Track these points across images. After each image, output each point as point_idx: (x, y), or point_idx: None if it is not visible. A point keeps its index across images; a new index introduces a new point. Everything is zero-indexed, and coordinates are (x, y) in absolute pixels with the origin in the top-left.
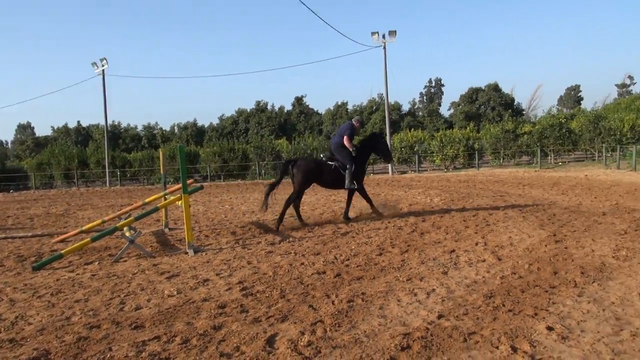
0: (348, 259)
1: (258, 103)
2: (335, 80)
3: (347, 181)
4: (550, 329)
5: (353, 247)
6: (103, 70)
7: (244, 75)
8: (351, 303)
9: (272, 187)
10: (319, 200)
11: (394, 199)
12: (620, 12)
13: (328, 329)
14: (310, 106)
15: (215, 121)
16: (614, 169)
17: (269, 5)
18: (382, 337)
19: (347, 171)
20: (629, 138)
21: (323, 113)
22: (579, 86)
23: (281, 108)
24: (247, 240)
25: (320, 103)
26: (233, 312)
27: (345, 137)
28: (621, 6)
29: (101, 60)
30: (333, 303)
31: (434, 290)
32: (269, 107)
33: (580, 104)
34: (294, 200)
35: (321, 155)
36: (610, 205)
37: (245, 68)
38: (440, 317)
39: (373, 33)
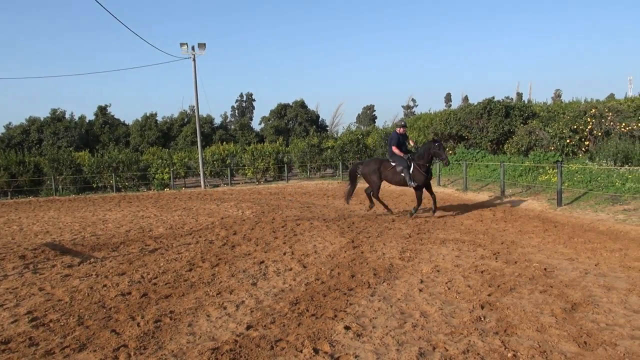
0: (156, 277)
1: (54, 111)
2: (143, 91)
3: (407, 181)
4: (347, 328)
5: (162, 265)
6: None
7: (36, 81)
8: (158, 323)
9: (350, 192)
10: (126, 217)
11: (206, 212)
12: (402, 43)
13: (132, 354)
14: (116, 116)
15: (0, 130)
16: None
17: (64, 5)
18: (190, 355)
19: (404, 172)
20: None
21: (130, 124)
22: (373, 106)
23: (82, 117)
24: (39, 265)
25: (127, 113)
26: (19, 347)
27: (393, 147)
28: (402, 41)
29: None
30: (138, 325)
31: (243, 302)
32: (67, 115)
33: (374, 121)
34: (374, 192)
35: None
36: (399, 212)
37: (37, 72)
38: (248, 328)
39: (182, 44)
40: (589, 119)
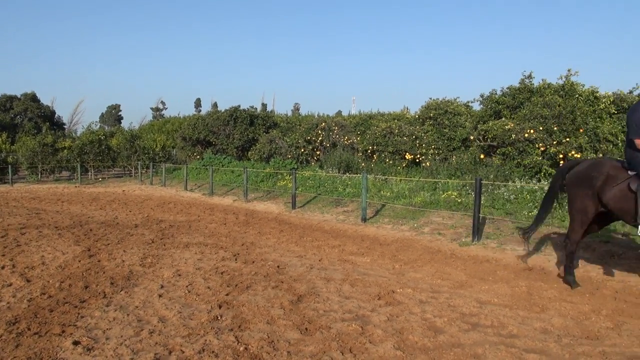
0: None
1: None
2: None
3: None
4: (76, 343)
5: None
6: None
7: None
8: None
9: (539, 223)
10: None
11: None
12: (150, 44)
13: None
14: None
15: None
16: (147, 184)
17: None
18: None
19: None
20: (160, 157)
21: None
22: (119, 105)
23: None
24: None
25: None
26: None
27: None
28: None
29: None
30: None
31: None
32: None
33: (120, 122)
34: (575, 233)
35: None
36: (142, 218)
37: None
38: None
39: None
40: (320, 132)
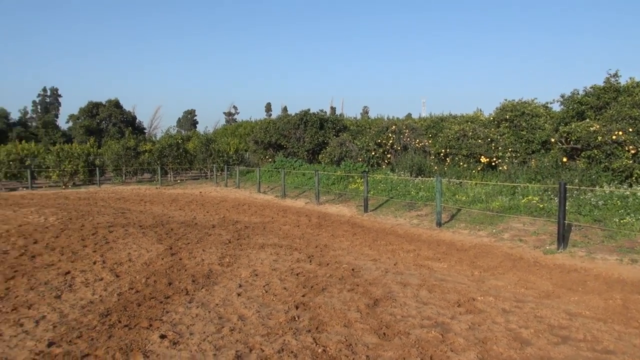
0: None
1: None
2: None
3: None
4: (163, 336)
5: None
6: None
7: None
8: None
9: None
10: None
11: (0, 219)
12: (225, 49)
13: None
14: None
15: None
16: (223, 186)
17: None
18: None
19: None
20: (234, 159)
21: None
22: (194, 110)
23: None
24: None
25: None
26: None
27: None
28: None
29: None
30: None
31: (44, 317)
32: None
33: (195, 126)
34: None
35: None
36: (219, 219)
37: None
38: (50, 345)
39: None
40: (390, 134)
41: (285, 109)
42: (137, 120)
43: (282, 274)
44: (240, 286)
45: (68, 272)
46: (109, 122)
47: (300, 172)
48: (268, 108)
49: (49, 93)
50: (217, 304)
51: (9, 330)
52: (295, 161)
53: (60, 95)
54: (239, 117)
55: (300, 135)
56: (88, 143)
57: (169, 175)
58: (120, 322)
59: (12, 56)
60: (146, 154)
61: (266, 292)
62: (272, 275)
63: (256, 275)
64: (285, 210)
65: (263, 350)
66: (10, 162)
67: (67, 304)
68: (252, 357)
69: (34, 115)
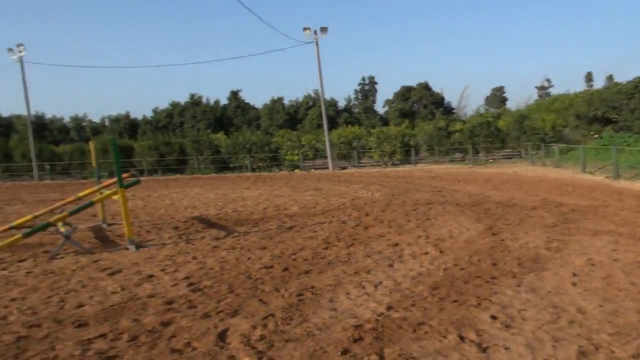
0: (295, 253)
1: (192, 96)
2: (270, 75)
3: None
4: (493, 317)
5: (299, 242)
6: (21, 56)
7: (176, 68)
8: (301, 297)
9: None
10: (262, 195)
11: (337, 193)
12: (538, 19)
13: (280, 323)
14: (246, 100)
15: (149, 114)
16: (539, 165)
17: None
18: (334, 330)
19: None
20: (551, 137)
21: (260, 107)
22: (503, 87)
23: (217, 101)
24: (190, 236)
25: (256, 97)
26: (181, 308)
27: None
28: (537, 15)
29: (18, 46)
30: (283, 297)
31: (381, 282)
32: (203, 100)
33: (505, 104)
34: None
35: None
36: (539, 200)
37: (175, 60)
38: (389, 308)
39: (305, 28)
40: None
41: (610, 78)
42: (445, 101)
43: (625, 266)
44: (574, 275)
45: (396, 244)
46: (420, 104)
47: (636, 148)
48: (589, 78)
49: (367, 81)
50: (550, 292)
51: (354, 291)
52: (630, 136)
53: (376, 83)
54: (553, 91)
55: (636, 105)
56: (403, 125)
57: (480, 155)
58: (449, 296)
59: (342, 54)
60: (456, 133)
61: (607, 285)
62: (612, 266)
63: (592, 264)
64: (620, 194)
65: (613, 352)
66: (341, 144)
67: (399, 273)
68: (599, 356)
69: (356, 102)
